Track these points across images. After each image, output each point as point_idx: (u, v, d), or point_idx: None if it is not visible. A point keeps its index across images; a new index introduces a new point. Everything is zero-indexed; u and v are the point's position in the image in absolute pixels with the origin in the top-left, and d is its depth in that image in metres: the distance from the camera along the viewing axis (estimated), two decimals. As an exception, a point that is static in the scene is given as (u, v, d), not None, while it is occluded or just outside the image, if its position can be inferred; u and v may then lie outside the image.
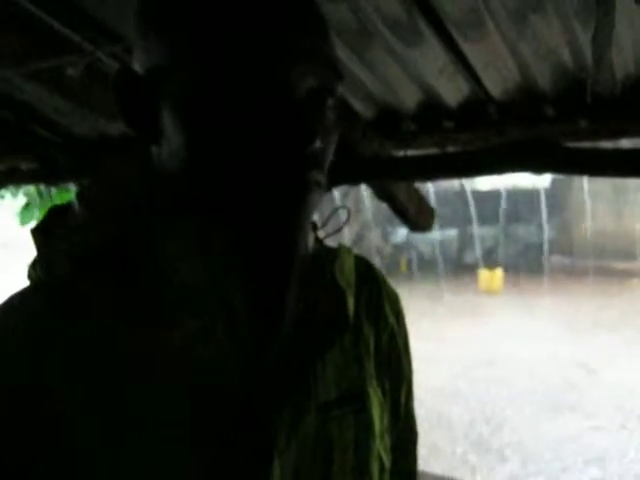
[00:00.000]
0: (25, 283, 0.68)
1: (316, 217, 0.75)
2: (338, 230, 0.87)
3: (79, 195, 0.71)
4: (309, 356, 0.70)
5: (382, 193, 2.47)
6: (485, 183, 20.00)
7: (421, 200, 2.67)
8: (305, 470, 0.67)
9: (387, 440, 0.81)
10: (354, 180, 2.22)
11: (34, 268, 0.68)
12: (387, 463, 0.79)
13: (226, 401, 0.64)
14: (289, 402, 0.67)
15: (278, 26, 0.63)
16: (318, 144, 0.64)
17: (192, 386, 0.63)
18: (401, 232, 20.18)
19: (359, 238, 18.92)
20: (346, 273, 0.78)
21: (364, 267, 0.87)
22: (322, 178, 0.67)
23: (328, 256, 0.79)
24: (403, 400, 0.89)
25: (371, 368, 0.80)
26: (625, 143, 2.25)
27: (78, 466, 0.59)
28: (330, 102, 0.68)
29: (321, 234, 0.83)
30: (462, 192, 18.56)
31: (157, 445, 0.61)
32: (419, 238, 19.92)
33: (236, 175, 0.64)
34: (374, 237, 20.44)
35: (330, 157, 0.70)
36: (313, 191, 0.65)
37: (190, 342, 0.64)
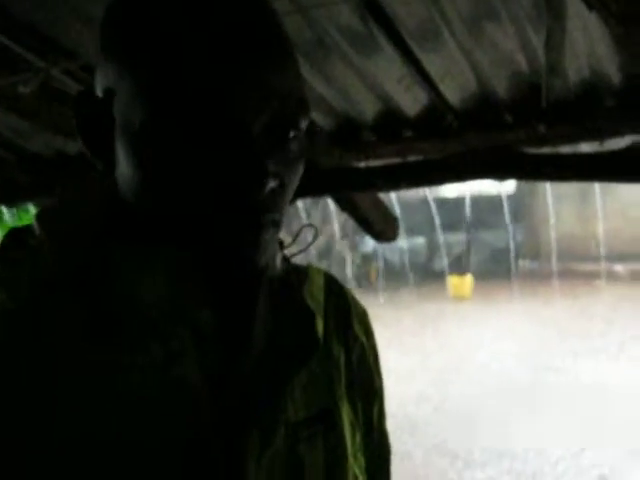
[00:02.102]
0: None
1: (284, 234, 0.74)
2: (305, 248, 0.85)
3: (39, 217, 0.69)
4: (278, 378, 0.69)
5: (345, 204, 2.47)
6: (451, 191, 20.19)
7: (384, 210, 2.67)
8: None
9: (361, 459, 0.80)
10: (316, 192, 2.22)
11: None
12: None
13: (194, 424, 0.62)
14: (258, 425, 0.66)
15: (235, 58, 0.59)
16: (272, 184, 0.61)
17: (160, 410, 0.62)
18: (369, 242, 20.22)
19: (327, 249, 18.94)
20: (315, 293, 0.77)
21: (333, 285, 0.85)
22: (278, 216, 0.65)
23: (297, 276, 0.78)
24: (375, 417, 0.87)
25: (341, 387, 0.79)
26: (585, 148, 2.27)
27: None
28: (293, 136, 0.64)
29: (289, 250, 0.81)
30: (428, 200, 18.68)
31: (123, 470, 0.59)
32: (387, 247, 20.00)
33: (185, 213, 0.62)
34: (342, 248, 20.47)
35: (293, 190, 0.68)
36: (267, 231, 0.63)
37: (157, 367, 0.62)
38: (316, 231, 0.85)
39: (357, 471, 0.77)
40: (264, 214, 0.62)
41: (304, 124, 0.66)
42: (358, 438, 0.80)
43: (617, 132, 1.94)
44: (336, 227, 17.90)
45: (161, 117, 0.60)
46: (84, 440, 0.59)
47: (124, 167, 0.64)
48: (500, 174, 2.03)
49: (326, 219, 17.64)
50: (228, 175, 0.60)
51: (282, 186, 0.64)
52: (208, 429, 0.63)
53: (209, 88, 0.59)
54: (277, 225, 0.65)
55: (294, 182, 0.67)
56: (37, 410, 0.59)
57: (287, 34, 0.66)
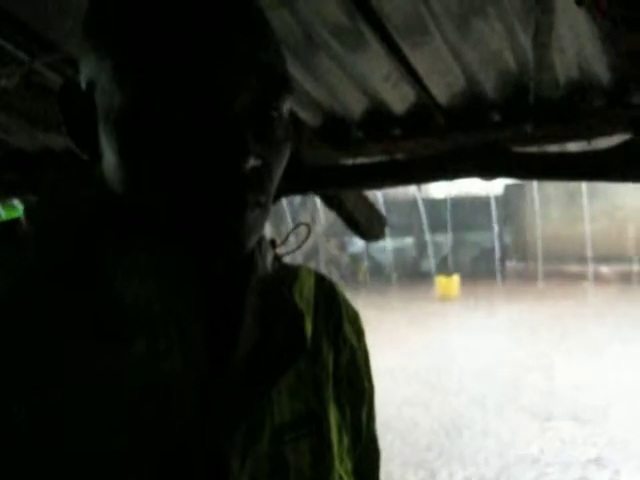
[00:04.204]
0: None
1: (272, 231, 0.72)
2: (297, 248, 0.85)
3: (26, 211, 0.69)
4: (264, 379, 0.68)
5: (331, 202, 2.45)
6: (439, 191, 20.30)
7: (371, 208, 2.66)
8: None
9: (348, 462, 0.79)
10: (302, 190, 2.20)
11: None
12: None
13: (177, 422, 0.62)
14: (242, 425, 0.65)
15: (212, 38, 0.60)
16: (254, 163, 0.61)
17: (143, 408, 0.61)
18: (358, 242, 20.30)
19: (316, 249, 18.96)
20: (305, 295, 0.77)
21: (324, 286, 0.85)
22: (263, 198, 0.64)
23: (288, 276, 0.77)
24: (364, 420, 0.86)
25: (329, 390, 0.78)
26: (572, 147, 2.27)
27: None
28: (275, 117, 0.64)
29: (280, 251, 0.80)
30: (417, 201, 18.76)
31: (102, 470, 0.58)
32: (376, 247, 20.10)
33: (171, 196, 0.62)
34: (331, 247, 20.52)
35: (278, 175, 0.67)
36: (251, 211, 0.63)
37: (142, 363, 0.61)
38: (309, 229, 0.85)
39: (343, 474, 0.76)
40: (247, 192, 0.62)
41: (287, 104, 0.66)
42: (346, 441, 0.79)
43: (605, 132, 1.94)
44: (324, 228, 17.92)
45: (141, 99, 0.60)
46: (64, 434, 0.58)
47: (109, 155, 0.64)
48: (487, 172, 2.01)
49: (314, 220, 17.67)
50: (209, 152, 0.60)
51: (266, 167, 0.64)
52: (192, 428, 0.62)
53: (187, 66, 0.59)
54: (263, 207, 0.64)
55: (279, 165, 0.67)
56: (17, 403, 0.58)
57: (265, 14, 0.66)
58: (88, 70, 0.65)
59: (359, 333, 0.87)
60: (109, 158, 0.64)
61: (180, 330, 0.63)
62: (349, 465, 0.79)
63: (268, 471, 0.66)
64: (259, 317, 0.70)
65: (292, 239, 0.87)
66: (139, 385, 0.61)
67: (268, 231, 0.72)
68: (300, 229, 0.87)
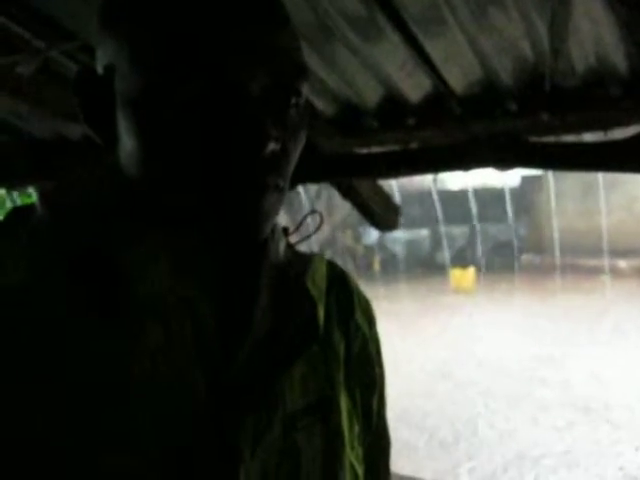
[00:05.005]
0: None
1: (288, 222, 0.73)
2: (309, 235, 0.85)
3: (41, 197, 0.69)
4: (277, 366, 0.69)
5: (346, 191, 2.45)
6: (455, 183, 20.20)
7: (386, 198, 2.65)
8: None
9: (358, 449, 0.79)
10: (317, 178, 2.20)
11: None
12: (360, 472, 0.78)
13: (190, 411, 0.62)
14: (254, 412, 0.65)
15: (228, 21, 0.60)
16: (274, 146, 0.61)
17: (155, 394, 0.61)
18: (373, 233, 20.28)
19: (331, 239, 18.96)
20: (317, 282, 0.77)
21: (336, 274, 0.85)
22: (282, 181, 0.65)
23: (300, 264, 0.77)
24: (375, 408, 0.86)
25: (340, 377, 0.78)
26: (588, 137, 2.25)
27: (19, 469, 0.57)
28: (294, 102, 0.65)
29: (293, 239, 0.81)
30: (432, 193, 18.69)
31: (117, 456, 0.58)
32: (391, 239, 20.06)
33: (189, 180, 0.62)
34: (346, 238, 20.50)
35: (295, 160, 0.67)
36: (270, 195, 0.63)
37: (156, 350, 0.61)
38: (321, 218, 0.85)
39: (354, 461, 0.77)
40: (266, 176, 0.62)
41: (304, 90, 0.66)
42: (356, 428, 0.79)
43: (622, 122, 1.93)
44: (340, 218, 17.91)
45: (160, 83, 0.60)
46: (76, 421, 0.58)
47: (126, 140, 0.64)
48: (503, 162, 2.00)
49: (330, 210, 17.66)
50: (229, 136, 0.60)
51: (284, 151, 0.64)
52: (204, 415, 0.62)
53: (206, 50, 0.59)
54: (280, 191, 0.65)
55: (296, 149, 0.67)
56: (29, 392, 0.58)
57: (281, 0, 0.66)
58: (107, 55, 0.65)
59: (371, 321, 0.87)
60: (127, 142, 0.64)
61: (194, 317, 0.64)
62: (360, 452, 0.80)
63: (279, 457, 0.67)
64: (272, 304, 0.70)
65: (309, 229, 0.87)
66: (152, 373, 0.61)
67: (283, 220, 0.72)
68: (315, 219, 0.87)
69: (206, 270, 0.66)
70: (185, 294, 0.64)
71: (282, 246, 0.76)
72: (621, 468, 5.41)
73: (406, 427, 6.40)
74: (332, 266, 0.85)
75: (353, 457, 0.76)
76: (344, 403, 0.77)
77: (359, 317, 0.85)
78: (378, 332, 0.89)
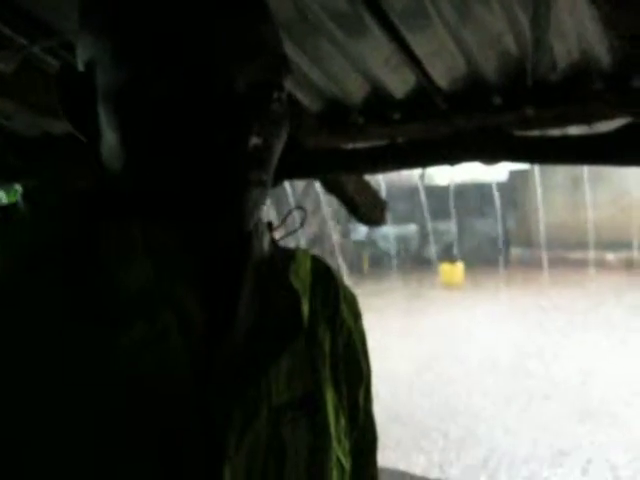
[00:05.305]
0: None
1: (276, 218, 0.73)
2: (293, 231, 0.86)
3: (25, 194, 0.69)
4: (261, 360, 0.69)
5: (332, 187, 2.45)
6: (443, 178, 20.25)
7: (372, 193, 2.65)
8: (257, 474, 0.66)
9: (345, 443, 0.80)
10: (303, 174, 2.20)
11: None
12: (347, 466, 0.78)
13: (176, 404, 0.62)
14: (240, 405, 0.65)
15: (211, 14, 0.60)
16: (256, 141, 0.61)
17: (141, 389, 0.61)
18: (362, 229, 20.32)
19: (319, 235, 18.94)
20: (302, 276, 0.77)
21: (321, 269, 0.85)
22: (265, 176, 0.65)
23: (284, 258, 0.78)
24: (361, 402, 0.87)
25: (326, 371, 0.78)
26: (573, 130, 2.25)
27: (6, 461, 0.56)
28: (276, 96, 0.65)
29: (278, 235, 0.82)
30: (419, 188, 18.70)
31: (102, 449, 0.58)
32: (380, 234, 20.10)
33: (172, 175, 0.62)
34: (335, 234, 20.50)
35: (277, 154, 0.68)
36: (254, 189, 0.63)
37: (141, 344, 0.61)
38: (305, 214, 0.85)
39: (341, 455, 0.77)
40: (249, 170, 0.62)
41: (286, 83, 0.66)
42: (343, 422, 0.80)
43: (606, 115, 1.93)
44: (328, 214, 17.89)
45: (142, 77, 0.60)
46: (63, 414, 0.58)
47: (108, 136, 0.64)
48: (488, 157, 2.01)
49: (318, 207, 17.63)
50: (211, 131, 0.60)
51: (267, 146, 0.64)
52: (190, 409, 0.62)
53: (187, 44, 0.59)
54: (264, 185, 0.65)
55: (279, 143, 0.67)
56: (14, 388, 0.58)
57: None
58: (87, 50, 0.65)
59: (356, 315, 0.88)
60: (109, 137, 0.64)
61: (178, 312, 0.64)
62: (347, 446, 0.80)
63: (265, 451, 0.67)
64: (256, 298, 0.71)
65: (297, 226, 0.87)
66: (138, 367, 0.61)
67: (271, 217, 0.71)
68: (302, 215, 0.88)
69: (190, 265, 0.66)
70: (170, 289, 0.64)
71: (266, 241, 0.76)
72: (607, 460, 5.44)
73: (393, 422, 6.42)
74: (316, 261, 0.85)
75: (340, 451, 0.77)
76: (330, 397, 0.78)
77: (344, 312, 0.85)
78: (364, 326, 0.90)
